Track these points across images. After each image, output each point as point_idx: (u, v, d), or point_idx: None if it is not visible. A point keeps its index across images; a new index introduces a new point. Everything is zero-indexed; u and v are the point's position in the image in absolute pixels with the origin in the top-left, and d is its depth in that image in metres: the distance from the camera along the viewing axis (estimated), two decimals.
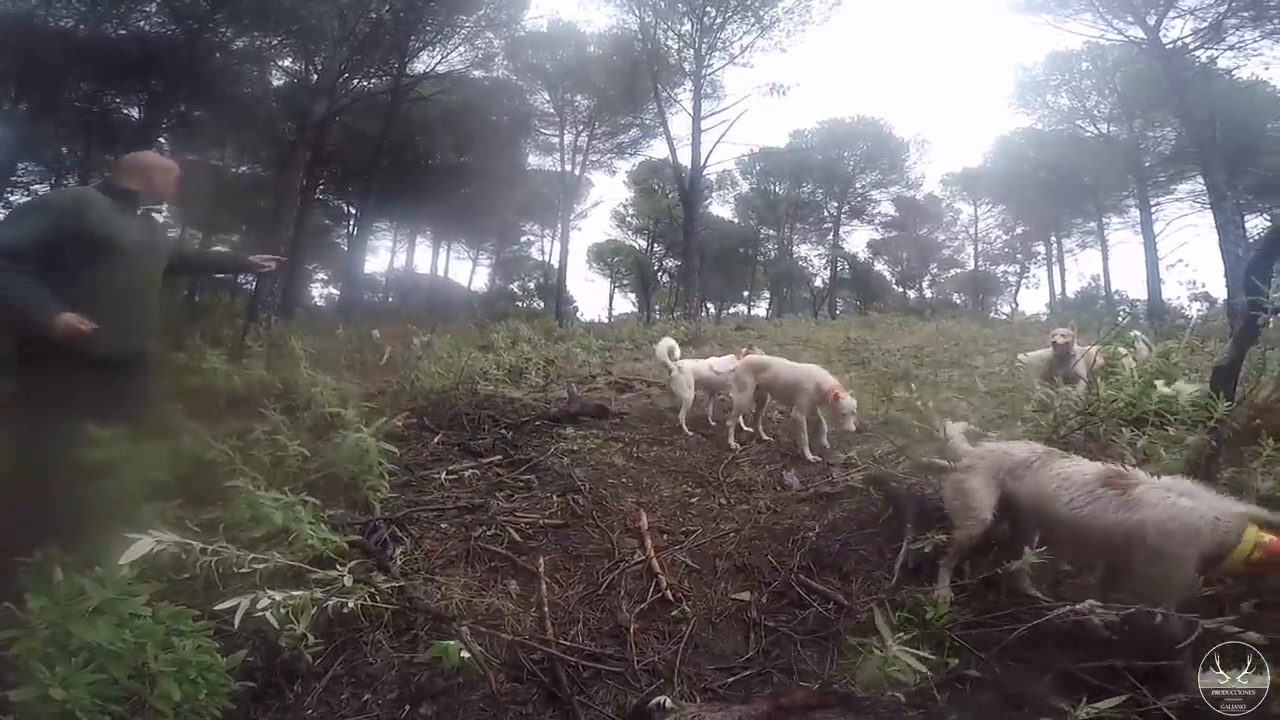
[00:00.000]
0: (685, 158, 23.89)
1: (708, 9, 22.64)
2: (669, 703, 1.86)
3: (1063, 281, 31.12)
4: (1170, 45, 16.12)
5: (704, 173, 25.07)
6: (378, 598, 2.18)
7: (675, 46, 23.64)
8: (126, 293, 2.58)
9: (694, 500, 3.55)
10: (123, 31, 15.31)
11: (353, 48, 17.15)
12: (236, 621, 1.51)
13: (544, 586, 2.59)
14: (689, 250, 23.89)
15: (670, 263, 34.33)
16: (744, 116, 29.29)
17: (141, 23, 15.55)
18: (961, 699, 1.66)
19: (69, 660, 1.00)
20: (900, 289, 36.67)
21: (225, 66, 17.21)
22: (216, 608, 1.52)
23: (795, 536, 2.88)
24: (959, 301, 33.26)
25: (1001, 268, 34.64)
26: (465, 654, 1.96)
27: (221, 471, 2.89)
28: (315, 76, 17.91)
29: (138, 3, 15.09)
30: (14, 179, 17.97)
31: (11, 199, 19.48)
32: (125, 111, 17.69)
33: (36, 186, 20.25)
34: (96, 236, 2.47)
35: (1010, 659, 1.75)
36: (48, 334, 2.20)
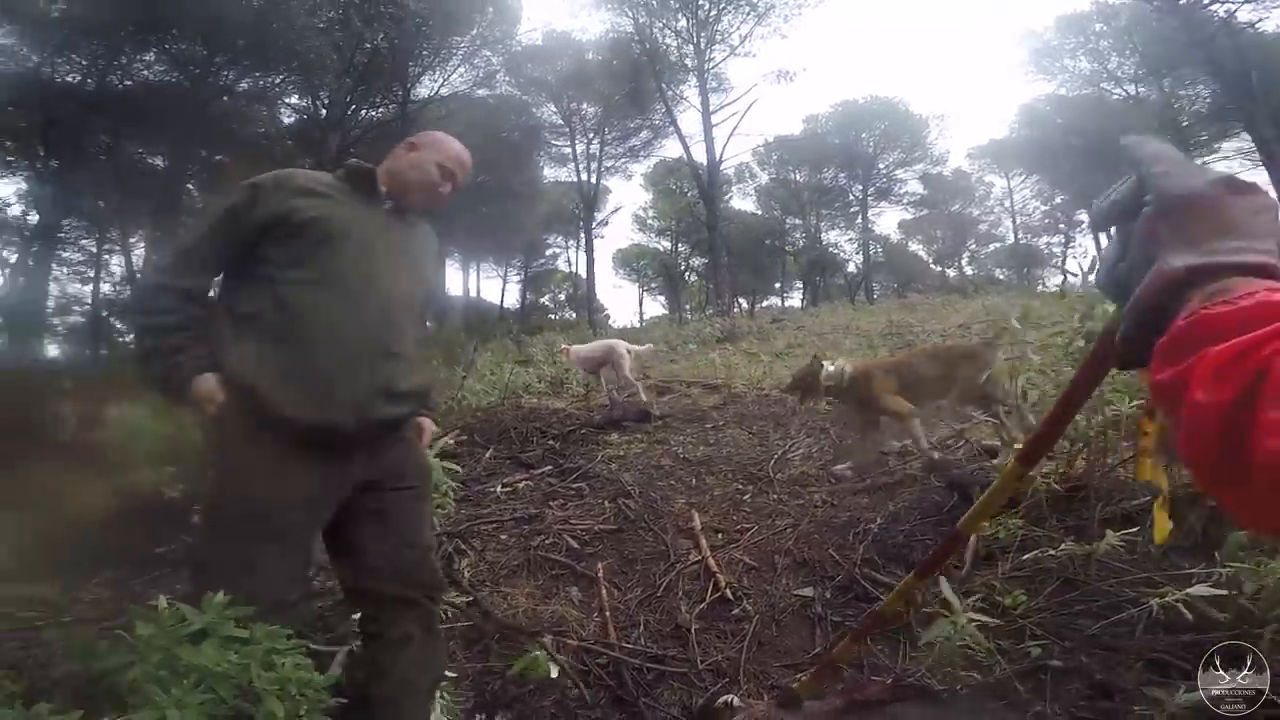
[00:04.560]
0: (700, 154, 23.90)
1: (700, 2, 22.55)
2: (736, 701, 1.84)
3: None
4: (1184, 1, 15.44)
5: (721, 167, 25.05)
6: (450, 612, 2.23)
7: (674, 43, 23.71)
8: (359, 308, 1.57)
9: (746, 498, 3.53)
10: (129, 82, 15.95)
11: (355, 79, 17.56)
12: (331, 650, 1.56)
13: (604, 591, 2.61)
14: (714, 246, 23.84)
15: (697, 261, 34.27)
16: (755, 107, 29.12)
17: (144, 72, 16.18)
18: (1045, 689, 1.61)
19: (180, 683, 1.06)
20: (938, 268, 36.01)
21: (234, 108, 17.78)
22: (313, 647, 1.57)
23: (856, 529, 2.84)
24: (1002, 277, 32.40)
25: (1044, 239, 33.66)
26: (553, 666, 1.98)
27: None
28: (324, 112, 18.35)
29: (136, 53, 15.62)
30: (61, 235, 18.82)
31: (63, 255, 20.51)
32: (150, 161, 18.43)
33: (84, 241, 21.20)
34: (305, 221, 1.56)
35: (1097, 647, 1.68)
36: (182, 402, 1.50)
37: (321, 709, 1.17)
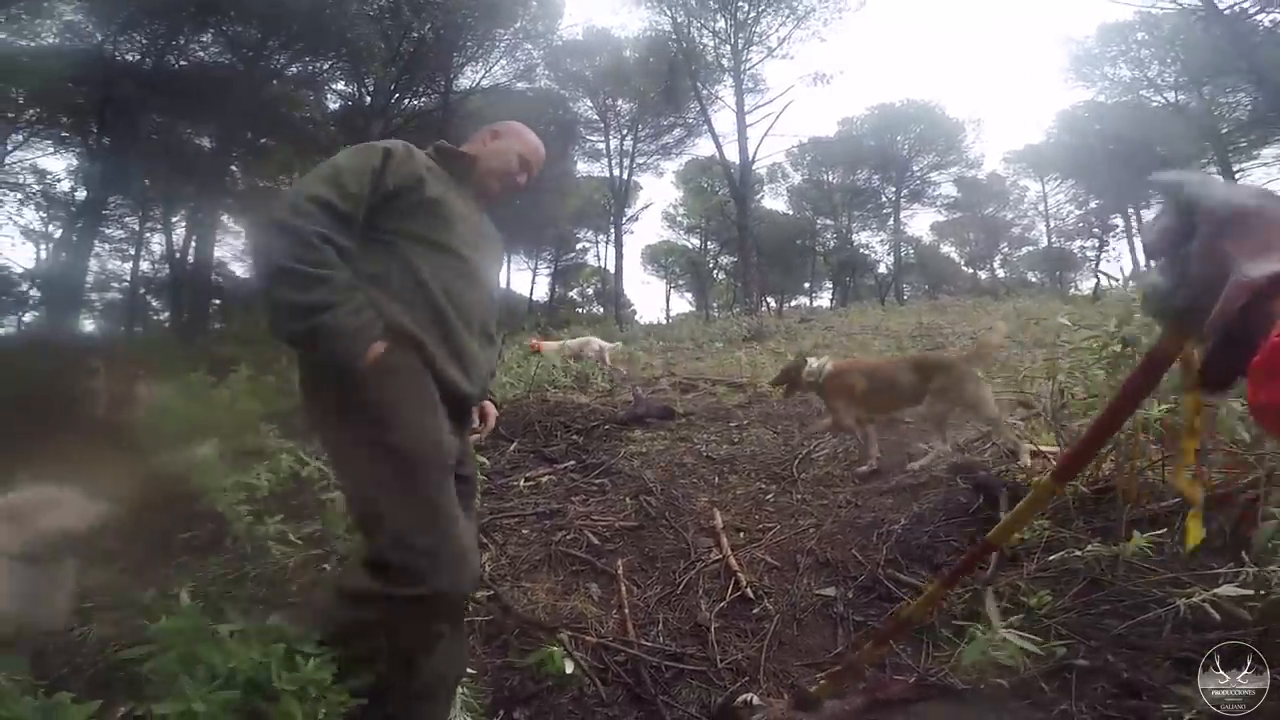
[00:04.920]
0: (732, 153, 23.80)
1: (740, 3, 22.48)
2: (756, 700, 1.84)
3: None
4: (1228, 11, 15.06)
5: (753, 167, 24.89)
6: (470, 606, 2.25)
7: (711, 44, 23.67)
8: (471, 289, 1.61)
9: (769, 497, 3.51)
10: (184, 63, 16.45)
11: (400, 68, 17.95)
12: None
13: (623, 588, 2.61)
14: (744, 245, 23.74)
15: (726, 259, 34.17)
16: (790, 108, 28.98)
17: (200, 53, 16.71)
18: (1070, 689, 1.58)
19: (200, 677, 1.08)
20: (970, 270, 35.46)
21: (283, 93, 18.21)
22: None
23: (880, 530, 2.81)
24: (1034, 280, 31.78)
25: (1077, 243, 33.00)
26: (569, 662, 1.99)
27: (317, 487, 3.05)
28: (369, 99, 18.69)
29: (195, 33, 16.11)
30: (106, 213, 19.34)
31: (106, 232, 21.09)
32: (197, 142, 18.92)
33: (128, 219, 21.82)
34: (427, 198, 1.55)
35: (1123, 646, 1.65)
36: (354, 366, 1.39)
37: (341, 712, 1.17)
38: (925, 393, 3.65)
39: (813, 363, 4.02)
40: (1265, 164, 21.36)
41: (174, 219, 21.47)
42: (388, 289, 1.48)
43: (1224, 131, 21.32)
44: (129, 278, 22.93)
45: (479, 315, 1.62)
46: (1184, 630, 1.63)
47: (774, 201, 34.53)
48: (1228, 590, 1.50)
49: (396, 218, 1.52)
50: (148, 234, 22.37)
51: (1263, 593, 1.50)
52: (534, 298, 33.58)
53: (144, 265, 22.94)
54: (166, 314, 22.25)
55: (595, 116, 26.14)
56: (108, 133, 16.20)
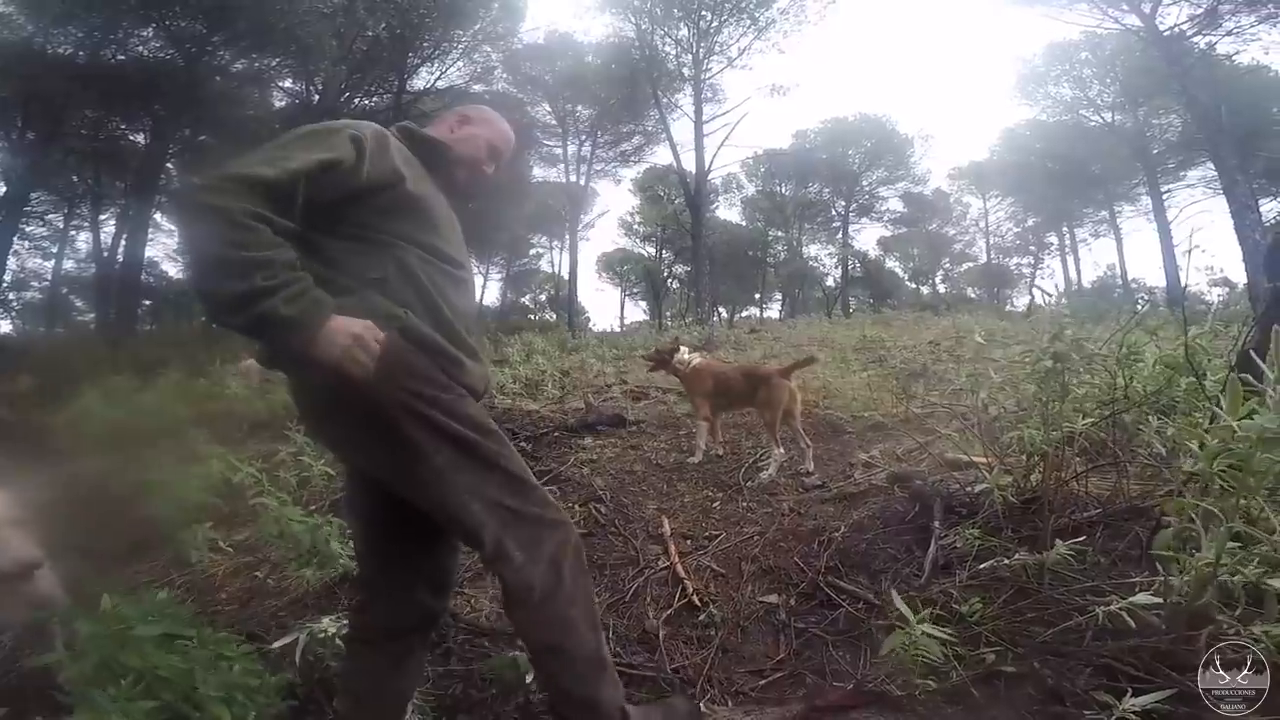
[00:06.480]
0: (689, 163, 23.99)
1: (703, 13, 22.75)
2: (701, 707, 1.85)
3: (1078, 271, 30.86)
4: (1167, 32, 16.05)
5: (709, 177, 25.15)
6: None
7: (673, 52, 23.81)
8: (462, 296, 1.52)
9: (716, 505, 3.55)
10: (122, 57, 15.54)
11: (351, 67, 17.34)
12: (281, 646, 1.54)
13: None
14: (697, 255, 23.94)
15: (680, 268, 34.39)
16: (746, 119, 29.34)
17: (140, 48, 15.78)
18: (1000, 695, 1.64)
19: (119, 685, 1.02)
20: (913, 285, 36.61)
21: (226, 89, 17.38)
22: (275, 644, 1.54)
23: (821, 537, 2.87)
24: (974, 295, 33.06)
25: (1014, 260, 34.50)
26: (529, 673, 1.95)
27: (249, 494, 2.94)
28: (317, 97, 18.10)
29: (135, 28, 15.27)
30: (28, 209, 18.22)
31: (27, 229, 19.87)
32: (131, 138, 18.06)
33: (51, 216, 20.60)
34: (410, 194, 1.44)
35: (1048, 653, 1.72)
36: (309, 356, 1.20)
37: (270, 715, 1.13)
38: (753, 397, 4.19)
39: (684, 354, 4.51)
40: (1190, 185, 22.76)
41: (103, 216, 20.43)
42: (391, 294, 1.34)
43: (1154, 152, 22.58)
44: (50, 277, 21.74)
45: (470, 324, 1.51)
46: (1103, 637, 1.70)
47: (728, 212, 35.00)
48: (1142, 598, 1.58)
49: (380, 216, 1.38)
50: (73, 232, 21.26)
51: (1171, 600, 1.58)
52: (484, 303, 33.10)
53: (68, 264, 21.78)
54: (92, 315, 21.11)
55: (553, 121, 25.92)
56: (33, 127, 15.25)
